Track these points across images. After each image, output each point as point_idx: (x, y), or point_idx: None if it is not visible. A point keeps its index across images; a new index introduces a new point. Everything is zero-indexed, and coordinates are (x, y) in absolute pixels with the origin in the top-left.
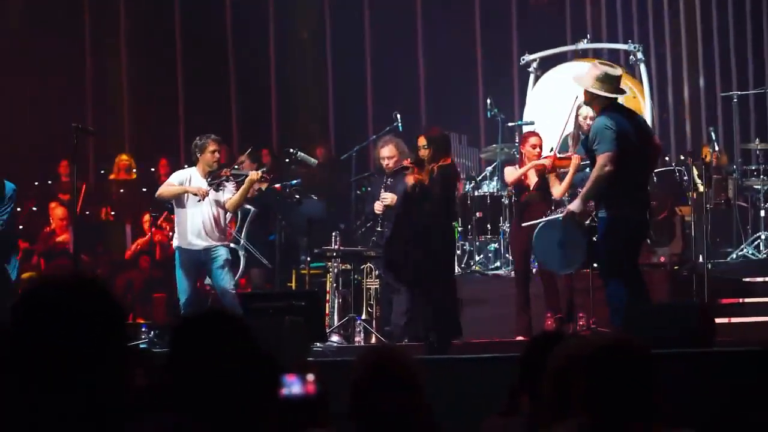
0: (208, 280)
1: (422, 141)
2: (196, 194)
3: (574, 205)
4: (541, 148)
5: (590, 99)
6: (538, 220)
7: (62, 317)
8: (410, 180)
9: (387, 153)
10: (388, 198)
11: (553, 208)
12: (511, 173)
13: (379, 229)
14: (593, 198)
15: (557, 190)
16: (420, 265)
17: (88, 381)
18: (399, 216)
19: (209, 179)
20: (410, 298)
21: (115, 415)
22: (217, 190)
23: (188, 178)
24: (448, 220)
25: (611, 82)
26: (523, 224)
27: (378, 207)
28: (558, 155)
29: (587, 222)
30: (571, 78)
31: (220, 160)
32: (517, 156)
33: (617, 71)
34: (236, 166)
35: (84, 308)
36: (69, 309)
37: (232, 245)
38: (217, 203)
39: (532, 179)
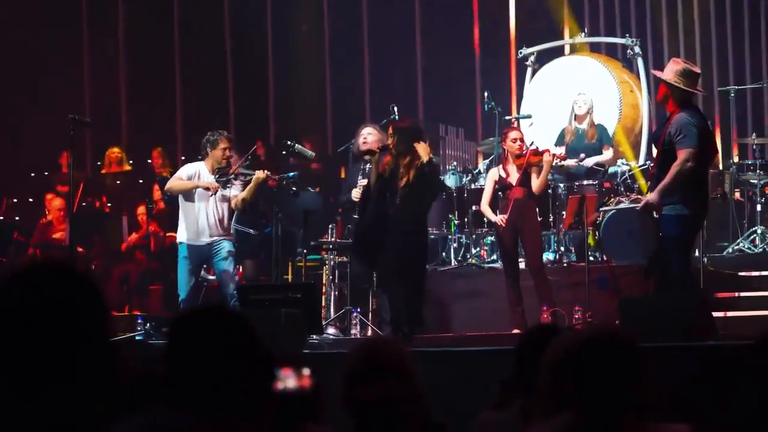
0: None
1: (390, 130)
2: (207, 189)
3: (653, 197)
4: (522, 141)
5: (668, 93)
6: (612, 207)
7: (38, 303)
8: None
9: (369, 130)
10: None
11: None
12: (483, 206)
13: (356, 216)
14: (672, 192)
15: (535, 184)
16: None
17: (67, 372)
18: (368, 203)
19: (217, 176)
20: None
21: (99, 410)
22: (224, 187)
23: (197, 172)
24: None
25: (692, 78)
26: (602, 209)
27: (356, 194)
28: (533, 151)
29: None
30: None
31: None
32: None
33: (697, 69)
34: (247, 164)
35: (62, 295)
36: (46, 295)
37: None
38: (224, 200)
39: (514, 176)
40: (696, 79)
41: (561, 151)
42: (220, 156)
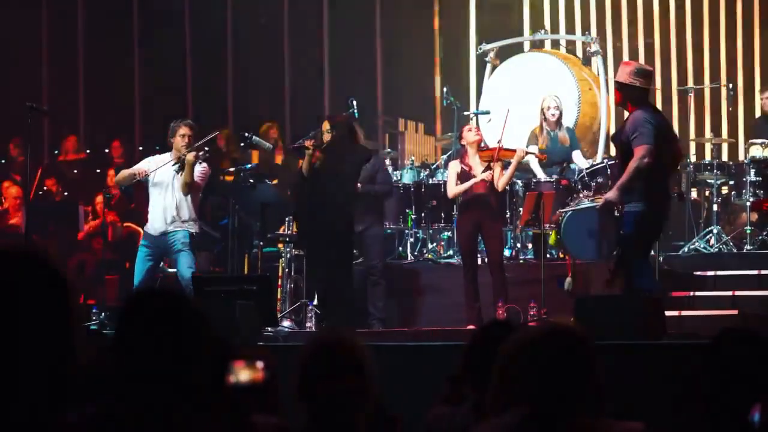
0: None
1: (326, 125)
2: (137, 175)
3: (611, 195)
4: (478, 129)
5: (624, 96)
6: (571, 208)
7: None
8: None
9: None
10: None
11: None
12: (451, 188)
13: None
14: (631, 189)
15: (501, 181)
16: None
17: (24, 356)
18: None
19: (174, 163)
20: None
21: (54, 397)
22: (178, 172)
23: (153, 162)
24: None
25: (646, 76)
26: (559, 210)
27: None
28: (503, 147)
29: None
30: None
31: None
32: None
33: (649, 67)
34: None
35: (22, 277)
36: (5, 278)
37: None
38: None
39: (477, 169)
40: (650, 77)
41: (535, 150)
42: (179, 142)
